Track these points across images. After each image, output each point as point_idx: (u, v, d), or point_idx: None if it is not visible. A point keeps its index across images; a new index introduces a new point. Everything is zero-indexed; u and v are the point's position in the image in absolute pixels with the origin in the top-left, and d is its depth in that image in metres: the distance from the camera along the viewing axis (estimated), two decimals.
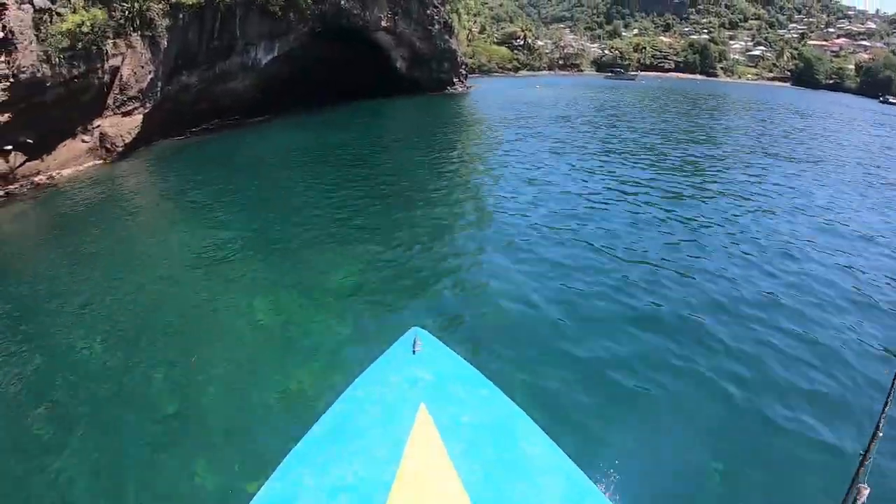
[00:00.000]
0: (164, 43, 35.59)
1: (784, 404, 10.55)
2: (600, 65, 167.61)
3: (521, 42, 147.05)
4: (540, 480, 3.76)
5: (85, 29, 29.33)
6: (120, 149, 33.21)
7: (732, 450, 9.37)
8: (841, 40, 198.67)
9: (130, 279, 15.89)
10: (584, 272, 15.86)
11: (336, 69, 62.39)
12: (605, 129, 45.90)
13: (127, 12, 33.06)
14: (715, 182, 28.73)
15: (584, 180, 27.41)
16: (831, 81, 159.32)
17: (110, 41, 32.01)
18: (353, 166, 31.01)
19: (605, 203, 23.11)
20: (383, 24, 60.22)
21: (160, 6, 35.30)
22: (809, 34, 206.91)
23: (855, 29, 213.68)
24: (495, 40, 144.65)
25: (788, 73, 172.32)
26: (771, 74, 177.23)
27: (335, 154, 34.23)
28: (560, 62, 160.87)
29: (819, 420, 10.08)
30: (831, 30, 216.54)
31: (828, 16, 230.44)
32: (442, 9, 70.22)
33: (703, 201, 24.41)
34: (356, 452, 3.90)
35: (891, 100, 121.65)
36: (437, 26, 68.97)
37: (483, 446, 3.97)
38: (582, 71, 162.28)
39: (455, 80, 77.43)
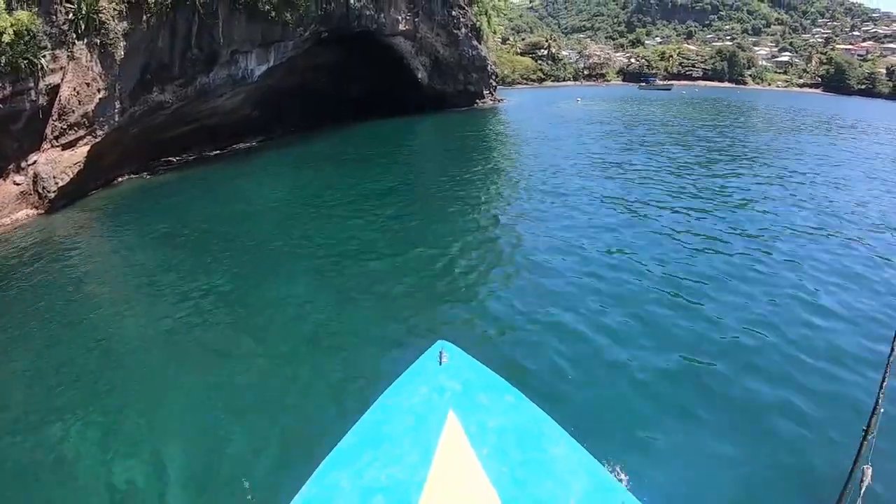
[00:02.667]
0: (121, 52, 27.28)
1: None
2: (626, 74, 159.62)
3: (546, 52, 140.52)
4: (566, 478, 3.96)
5: (7, 39, 22.50)
6: (52, 194, 25.00)
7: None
8: (867, 43, 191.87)
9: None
10: None
11: (348, 82, 53.16)
12: (697, 162, 33.68)
13: (70, 14, 25.14)
14: None
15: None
16: (863, 87, 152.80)
17: (48, 52, 24.57)
18: (364, 235, 20.50)
19: None
20: (401, 27, 50.30)
21: (114, 6, 26.71)
22: (834, 38, 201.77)
23: (881, 31, 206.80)
24: (518, 51, 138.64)
25: (819, 80, 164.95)
26: (801, 81, 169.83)
27: (339, 208, 24.25)
28: (585, 72, 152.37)
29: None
30: (856, 33, 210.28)
31: (852, 19, 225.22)
32: (469, 10, 60.01)
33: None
34: (389, 457, 4.11)
35: None
36: (463, 30, 58.80)
37: (510, 449, 4.17)
38: (608, 81, 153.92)
39: (485, 91, 67.14)
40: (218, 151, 38.09)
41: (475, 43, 61.86)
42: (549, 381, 10.65)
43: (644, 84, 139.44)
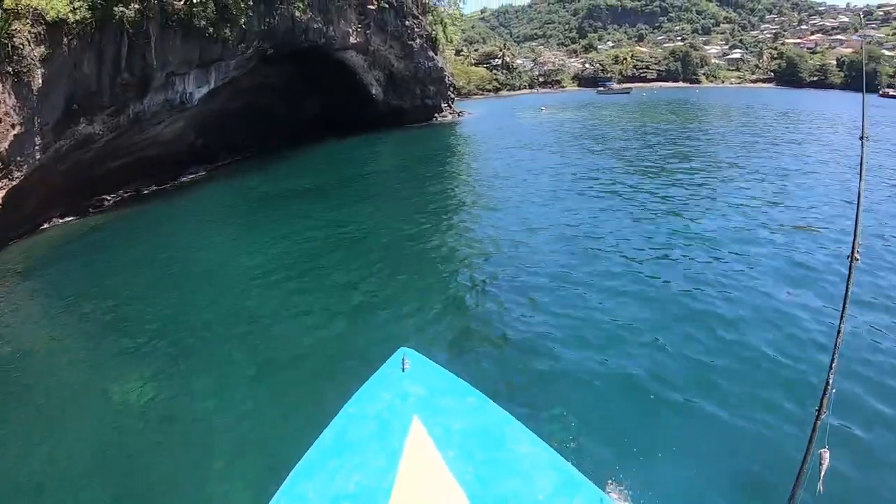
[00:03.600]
0: (39, 81, 24.06)
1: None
2: (582, 79, 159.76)
3: (500, 62, 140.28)
4: (532, 475, 4.02)
5: None
6: None
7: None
8: (815, 36, 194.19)
9: None
10: None
11: (301, 101, 50.04)
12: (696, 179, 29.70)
13: None
14: None
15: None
16: (815, 79, 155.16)
17: None
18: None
19: None
20: (352, 40, 47.41)
21: (29, 28, 23.54)
22: (783, 33, 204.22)
23: (828, 24, 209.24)
24: (472, 61, 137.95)
25: (772, 74, 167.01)
26: (754, 76, 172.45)
27: (288, 273, 19.73)
28: (540, 80, 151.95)
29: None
30: (804, 27, 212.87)
31: (799, 13, 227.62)
32: (423, 19, 57.32)
33: None
34: (355, 465, 4.16)
35: (891, 92, 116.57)
36: (418, 41, 56.17)
37: (475, 449, 4.23)
38: (564, 87, 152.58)
39: (443, 104, 64.11)
40: (156, 187, 34.75)
41: (431, 54, 59.13)
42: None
43: (602, 89, 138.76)
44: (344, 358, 12.52)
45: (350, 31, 46.67)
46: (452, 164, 38.52)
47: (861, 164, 4.48)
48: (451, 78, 65.93)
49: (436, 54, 60.28)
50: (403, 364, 5.18)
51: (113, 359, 13.29)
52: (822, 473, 3.36)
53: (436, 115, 62.76)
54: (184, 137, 37.52)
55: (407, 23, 54.07)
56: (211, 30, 32.83)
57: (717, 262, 16.92)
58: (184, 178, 36.63)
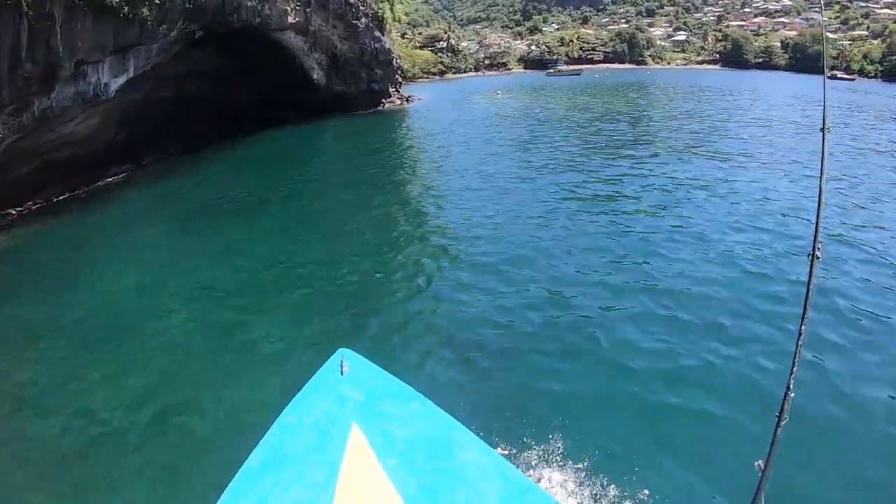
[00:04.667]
0: None
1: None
2: (528, 62, 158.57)
3: (445, 44, 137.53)
4: (479, 484, 3.88)
5: None
6: None
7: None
8: (759, 19, 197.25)
9: None
10: None
11: (235, 89, 45.49)
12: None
13: None
14: None
15: None
16: (760, 60, 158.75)
17: None
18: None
19: None
20: (290, 19, 43.07)
21: None
22: (727, 16, 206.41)
23: (771, 7, 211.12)
24: (417, 44, 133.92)
25: (717, 56, 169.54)
26: (700, 58, 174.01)
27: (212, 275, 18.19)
28: (486, 62, 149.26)
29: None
30: (747, 9, 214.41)
31: None
32: None
33: None
34: (293, 480, 3.93)
35: (839, 75, 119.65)
36: (363, 20, 52.00)
37: (418, 459, 4.05)
38: (510, 69, 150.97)
39: (391, 89, 59.91)
40: (69, 193, 30.16)
41: (377, 34, 55.10)
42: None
43: (552, 70, 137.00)
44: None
45: (288, 9, 42.48)
46: (406, 165, 34.56)
47: (822, 159, 4.26)
48: (398, 60, 61.81)
49: (382, 35, 56.35)
50: (342, 367, 4.87)
51: None
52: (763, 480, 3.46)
53: (383, 100, 58.93)
54: (101, 134, 33.01)
55: (351, 0, 49.98)
56: (126, 9, 28.58)
57: (676, 262, 17.11)
58: (100, 183, 32.07)
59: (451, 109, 58.46)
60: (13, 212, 27.15)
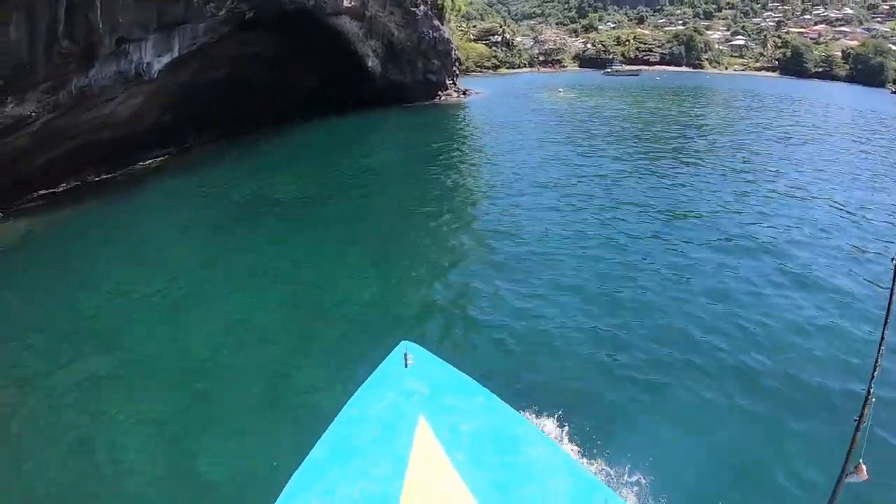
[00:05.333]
0: None
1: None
2: (583, 60, 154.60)
3: (500, 39, 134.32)
4: (547, 481, 3.81)
5: None
6: None
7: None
8: (819, 27, 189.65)
9: None
10: None
11: (290, 74, 43.27)
12: None
13: None
14: None
15: None
16: (820, 70, 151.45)
17: None
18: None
19: None
20: (346, 3, 40.40)
21: None
22: (786, 22, 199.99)
23: (832, 15, 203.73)
24: (471, 37, 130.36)
25: (776, 63, 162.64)
26: (758, 64, 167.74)
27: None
28: (540, 59, 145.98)
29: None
30: (808, 17, 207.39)
31: (802, 2, 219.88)
32: None
33: None
34: (360, 471, 3.86)
35: None
36: (422, 7, 48.84)
37: (486, 453, 4.00)
38: (565, 67, 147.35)
39: (448, 81, 56.91)
40: (106, 176, 28.41)
41: (436, 23, 52.06)
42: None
43: (609, 70, 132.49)
44: None
45: None
46: (469, 167, 31.32)
47: None
48: (456, 51, 58.69)
49: (441, 24, 53.29)
50: (406, 360, 4.81)
51: None
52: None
53: (440, 92, 55.83)
54: (145, 115, 31.07)
55: None
56: None
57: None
58: (139, 166, 30.36)
59: (513, 106, 54.93)
60: (44, 192, 25.62)
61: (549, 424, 8.75)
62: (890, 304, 3.53)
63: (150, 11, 26.48)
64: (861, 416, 3.45)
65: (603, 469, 7.98)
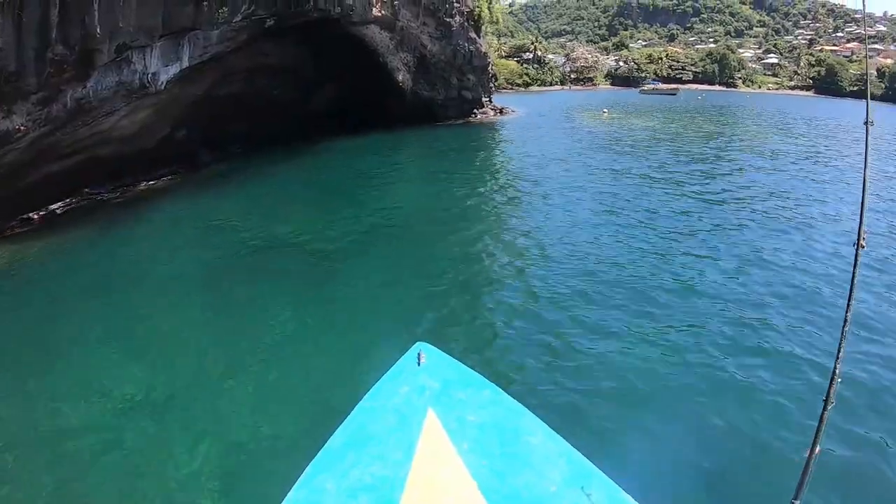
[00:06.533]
0: None
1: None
2: (615, 78, 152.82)
3: (531, 56, 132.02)
4: (544, 467, 3.86)
5: None
6: None
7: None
8: (852, 44, 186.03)
9: None
10: None
11: (314, 89, 40.00)
12: None
13: None
14: None
15: None
16: (855, 88, 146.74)
17: None
18: None
19: None
20: (375, 12, 36.37)
21: None
22: (818, 39, 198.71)
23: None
24: (502, 54, 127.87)
25: (810, 82, 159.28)
26: (792, 83, 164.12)
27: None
28: (572, 76, 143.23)
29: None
30: (840, 34, 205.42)
31: (834, 20, 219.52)
32: None
33: None
34: (373, 457, 3.92)
35: None
36: (458, 18, 44.68)
37: (488, 441, 4.05)
38: (596, 85, 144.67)
39: (484, 98, 52.56)
40: (108, 196, 25.55)
41: (473, 35, 47.77)
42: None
43: (646, 88, 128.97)
44: None
45: (373, 0, 35.97)
46: (515, 209, 23.66)
47: (865, 150, 4.38)
48: (493, 67, 54.41)
49: (478, 36, 48.96)
50: (420, 358, 4.72)
51: None
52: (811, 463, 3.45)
53: (475, 110, 51.08)
54: (150, 131, 27.72)
55: None
56: None
57: None
58: (143, 186, 26.79)
59: (556, 128, 49.05)
60: (39, 214, 22.75)
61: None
62: (852, 285, 3.63)
63: (154, 15, 23.26)
64: (827, 396, 3.42)
65: None
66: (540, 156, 34.99)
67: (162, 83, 25.17)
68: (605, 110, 69.53)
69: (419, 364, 4.70)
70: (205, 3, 24.69)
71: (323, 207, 23.64)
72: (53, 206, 23.50)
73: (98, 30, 20.98)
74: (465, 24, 46.21)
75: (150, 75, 24.46)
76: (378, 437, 4.05)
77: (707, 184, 28.14)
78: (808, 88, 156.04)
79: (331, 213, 22.40)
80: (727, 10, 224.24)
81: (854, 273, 3.67)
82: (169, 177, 27.99)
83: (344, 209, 23.09)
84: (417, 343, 5.02)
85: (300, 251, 18.13)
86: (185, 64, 26.04)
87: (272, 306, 13.83)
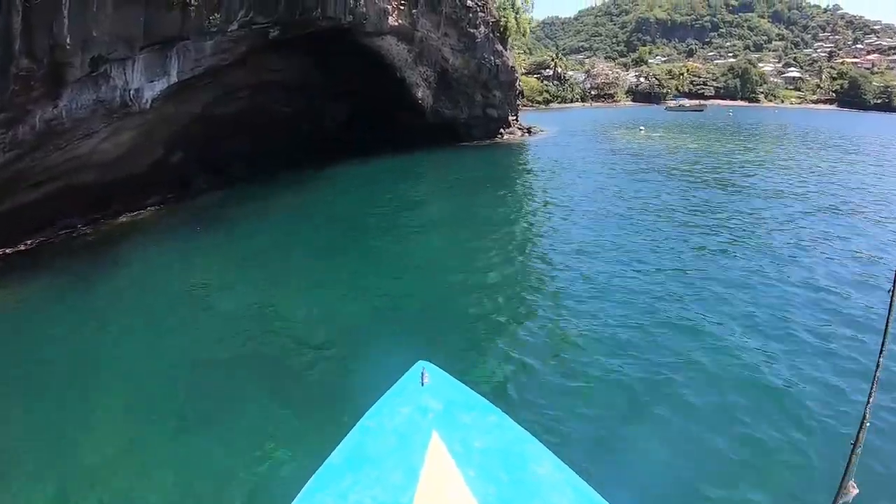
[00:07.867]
0: None
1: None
2: (636, 94, 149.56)
3: (551, 72, 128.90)
4: (551, 496, 3.78)
5: None
6: None
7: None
8: (873, 56, 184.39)
9: None
10: None
11: (325, 106, 36.80)
12: None
13: None
14: None
15: None
16: (879, 101, 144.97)
17: None
18: None
19: None
20: (392, 21, 32.48)
21: None
22: (837, 52, 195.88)
23: (884, 44, 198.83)
24: (522, 71, 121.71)
25: (833, 95, 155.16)
26: (815, 97, 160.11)
27: None
28: (593, 93, 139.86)
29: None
30: (859, 46, 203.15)
31: (853, 32, 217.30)
32: (490, 1, 41.45)
33: None
34: (373, 479, 3.79)
35: None
36: (482, 29, 40.37)
37: (496, 469, 3.90)
38: (617, 102, 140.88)
39: (510, 117, 47.98)
40: (84, 227, 22.09)
41: (499, 48, 43.41)
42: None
43: (672, 105, 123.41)
44: None
45: (389, 8, 32.05)
46: (559, 273, 16.28)
47: None
48: (520, 83, 49.90)
49: (505, 48, 44.53)
50: (423, 378, 4.56)
51: None
52: None
53: (501, 129, 46.41)
54: (137, 155, 24.34)
55: (468, 3, 38.74)
56: None
57: None
58: (123, 218, 22.97)
59: (590, 150, 43.33)
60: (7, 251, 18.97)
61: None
62: (886, 331, 3.31)
63: (133, 23, 19.87)
64: (856, 440, 3.27)
65: None
66: (577, 182, 29.76)
67: (147, 101, 21.79)
68: (642, 128, 64.77)
69: (422, 384, 4.53)
70: (192, 7, 21.17)
71: (328, 270, 17.52)
72: (21, 244, 19.76)
73: (68, 39, 17.79)
74: (491, 35, 42.09)
75: (132, 92, 21.12)
76: (379, 458, 3.92)
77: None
78: (831, 102, 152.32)
79: (335, 284, 16.08)
80: (745, 25, 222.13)
81: (888, 320, 3.18)
82: (156, 206, 24.28)
83: (353, 276, 16.93)
84: (419, 361, 4.77)
85: (292, 349, 11.97)
86: (175, 79, 22.69)
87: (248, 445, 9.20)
